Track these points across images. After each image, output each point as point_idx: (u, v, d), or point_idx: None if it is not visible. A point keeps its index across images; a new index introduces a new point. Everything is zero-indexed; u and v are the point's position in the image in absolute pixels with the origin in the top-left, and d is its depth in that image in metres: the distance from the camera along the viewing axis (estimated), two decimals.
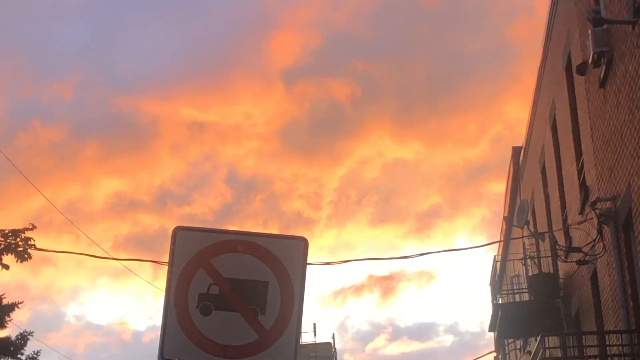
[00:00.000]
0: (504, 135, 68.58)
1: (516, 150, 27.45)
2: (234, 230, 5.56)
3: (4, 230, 20.77)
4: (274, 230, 63.40)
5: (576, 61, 15.74)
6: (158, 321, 5.36)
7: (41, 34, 65.53)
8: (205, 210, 65.79)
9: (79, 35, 66.28)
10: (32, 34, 64.68)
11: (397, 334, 75.71)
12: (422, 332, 79.07)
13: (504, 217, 30.03)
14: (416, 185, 72.36)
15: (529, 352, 20.77)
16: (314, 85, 65.40)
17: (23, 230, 20.69)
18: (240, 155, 66.58)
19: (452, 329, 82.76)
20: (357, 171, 69.73)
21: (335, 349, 54.81)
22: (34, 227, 20.68)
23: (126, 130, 61.75)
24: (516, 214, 22.25)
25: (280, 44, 60.87)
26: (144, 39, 66.02)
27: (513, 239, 27.63)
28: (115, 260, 17.93)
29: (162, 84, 65.86)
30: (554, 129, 19.48)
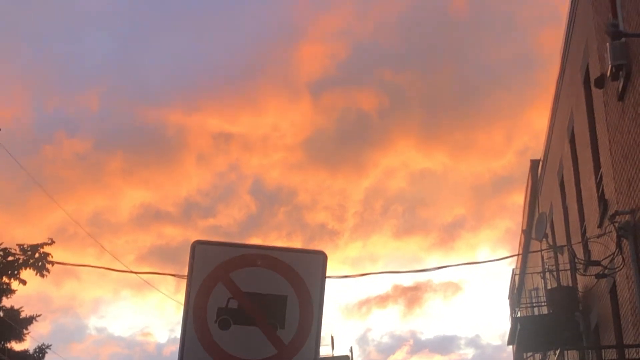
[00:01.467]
0: (530, 146, 68.33)
1: (534, 163, 27.40)
2: (253, 245, 5.57)
3: (22, 245, 20.86)
4: (297, 242, 63.56)
5: (594, 74, 15.71)
6: (179, 334, 5.38)
7: (66, 46, 65.91)
8: (230, 222, 65.85)
9: (105, 46, 66.59)
10: (58, 45, 65.08)
11: (418, 346, 75.33)
12: (443, 345, 78.68)
13: (523, 230, 29.96)
14: (441, 197, 72.18)
15: None
16: (341, 96, 65.49)
17: (42, 245, 20.76)
18: (265, 166, 66.67)
19: (473, 342, 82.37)
20: (382, 182, 69.66)
21: None
22: (53, 242, 20.76)
23: (152, 142, 61.95)
24: (535, 227, 22.19)
25: (307, 54, 61.01)
26: (170, 50, 66.29)
27: (532, 252, 27.55)
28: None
29: (189, 95, 66.07)
30: (573, 141, 19.43)
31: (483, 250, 75.59)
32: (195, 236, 62.27)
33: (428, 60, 62.61)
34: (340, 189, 69.95)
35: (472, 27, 62.71)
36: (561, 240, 21.95)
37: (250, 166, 65.96)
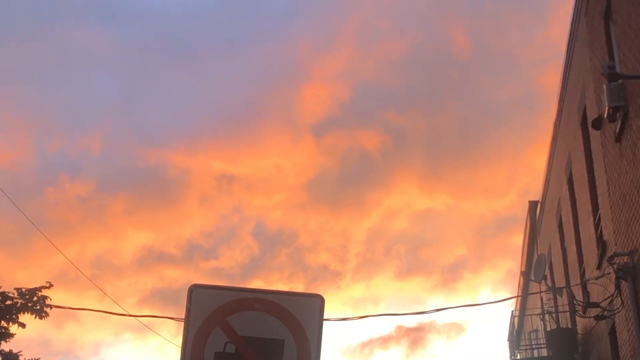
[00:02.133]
0: (532, 186, 68.22)
1: (533, 205, 27.40)
2: (250, 288, 5.56)
3: (20, 289, 20.85)
4: (299, 283, 63.38)
5: (592, 115, 15.76)
6: None
7: (69, 88, 66.23)
8: (232, 264, 65.80)
9: (107, 88, 66.88)
10: (60, 87, 65.39)
11: None
12: None
13: (522, 272, 29.90)
14: (443, 237, 72.20)
15: None
16: (344, 137, 65.71)
17: (40, 289, 20.76)
18: (268, 207, 66.72)
19: None
20: (385, 223, 69.67)
21: None
22: (51, 285, 20.76)
23: (154, 183, 62.12)
24: (534, 269, 22.14)
25: (309, 95, 61.31)
26: (172, 91, 66.61)
27: (531, 294, 27.47)
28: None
29: (191, 136, 66.33)
30: (571, 183, 19.45)
31: (485, 291, 75.28)
32: (197, 278, 62.08)
33: (430, 100, 62.93)
34: (342, 229, 69.99)
35: (474, 67, 63.01)
36: (560, 281, 21.90)
37: (252, 207, 66.02)
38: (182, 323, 5.55)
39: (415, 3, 62.66)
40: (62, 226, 56.79)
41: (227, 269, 61.73)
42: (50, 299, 20.74)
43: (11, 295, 21.15)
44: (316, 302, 5.52)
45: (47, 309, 20.51)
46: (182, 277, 63.92)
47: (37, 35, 62.21)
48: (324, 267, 66.91)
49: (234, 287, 5.61)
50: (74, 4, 64.30)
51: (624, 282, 14.31)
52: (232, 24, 68.02)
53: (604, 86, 13.19)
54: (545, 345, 21.52)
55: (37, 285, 21.14)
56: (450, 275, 70.98)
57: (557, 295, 21.51)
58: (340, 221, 68.13)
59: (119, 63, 66.52)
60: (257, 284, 62.33)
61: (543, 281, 20.70)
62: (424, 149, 63.36)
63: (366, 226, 68.38)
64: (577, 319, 19.24)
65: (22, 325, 21.03)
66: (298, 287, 62.61)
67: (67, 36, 64.17)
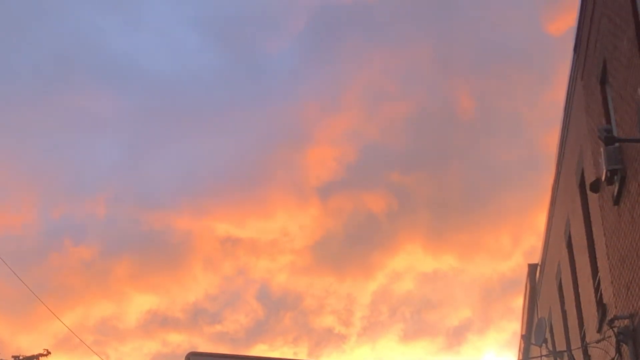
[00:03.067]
0: (537, 247, 67.89)
1: (532, 267, 27.31)
2: (247, 356, 5.53)
3: (18, 357, 20.83)
4: (303, 347, 62.86)
5: (589, 178, 15.78)
6: None
7: (73, 151, 66.50)
8: (236, 328, 65.29)
9: (111, 151, 67.06)
10: (64, 150, 65.63)
11: None
12: None
13: (522, 335, 29.70)
14: (448, 299, 71.74)
15: None
16: (349, 199, 65.66)
17: (37, 356, 20.77)
18: (273, 270, 66.42)
19: None
20: (389, 285, 69.27)
21: None
22: (49, 352, 20.81)
23: (159, 247, 61.96)
24: (534, 332, 21.99)
25: (315, 157, 61.48)
26: (177, 154, 66.75)
27: (532, 358, 27.25)
28: None
29: (196, 199, 66.31)
30: (570, 246, 19.41)
31: (489, 354, 74.67)
32: (201, 343, 61.65)
33: (435, 161, 62.98)
34: (347, 292, 69.65)
35: (479, 127, 63.08)
36: (561, 345, 21.75)
37: (257, 270, 65.77)
38: None
39: (420, 64, 63.06)
40: (66, 290, 56.66)
41: (232, 333, 61.31)
42: None
43: None
44: None
45: None
46: (186, 342, 63.44)
47: (42, 97, 62.62)
48: (328, 331, 66.42)
49: (230, 355, 5.57)
50: (78, 66, 64.80)
51: (624, 345, 14.21)
52: (237, 86, 68.44)
53: (601, 149, 13.23)
54: None
55: (36, 352, 21.16)
56: (455, 338, 70.45)
57: (558, 359, 21.34)
58: (345, 284, 67.83)
59: (123, 126, 66.84)
60: (261, 348, 61.83)
61: (544, 344, 20.56)
62: (429, 210, 63.26)
63: (371, 288, 68.01)
64: None
65: None
66: (302, 351, 62.10)
67: (71, 99, 64.58)
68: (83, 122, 65.93)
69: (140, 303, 62.98)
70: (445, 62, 62.37)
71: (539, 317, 24.54)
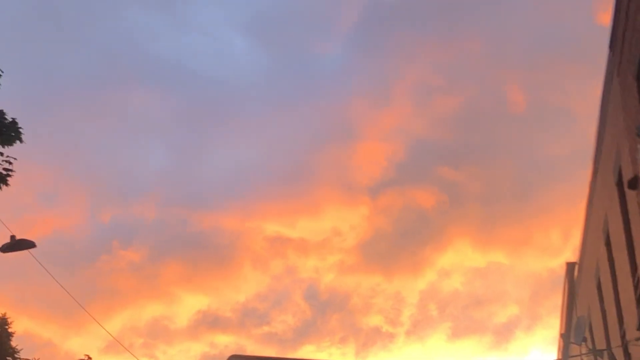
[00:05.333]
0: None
1: (570, 266, 27.18)
2: (288, 358, 5.58)
3: None
4: (350, 348, 62.80)
5: (627, 176, 15.72)
6: None
7: (124, 153, 66.91)
8: (284, 328, 65.30)
9: (160, 153, 67.41)
10: (115, 153, 66.08)
11: None
12: None
13: (561, 334, 29.56)
14: (497, 296, 71.17)
15: None
16: (399, 196, 65.36)
17: None
18: (321, 269, 66.39)
19: None
20: (438, 283, 68.85)
21: None
22: (89, 358, 21.24)
23: (208, 248, 62.14)
24: (574, 331, 21.93)
25: (364, 155, 61.41)
26: (225, 154, 66.93)
27: (572, 357, 27.13)
28: None
29: (244, 200, 66.46)
30: (608, 244, 19.32)
31: (536, 351, 73.98)
32: (249, 345, 61.80)
33: (485, 156, 62.44)
34: (396, 291, 69.37)
35: (529, 121, 62.41)
36: (600, 343, 21.64)
37: (306, 269, 65.77)
38: None
39: (470, 57, 62.66)
40: (116, 292, 57.04)
41: (280, 334, 61.34)
42: None
43: None
44: None
45: None
46: (233, 343, 63.52)
47: (92, 97, 63.06)
48: (376, 330, 66.23)
49: (271, 357, 5.63)
50: (127, 67, 65.25)
51: None
52: (285, 85, 68.53)
53: (638, 146, 13.18)
54: None
55: (80, 357, 21.55)
56: (503, 335, 69.90)
57: (598, 358, 21.24)
58: (394, 282, 67.58)
59: (172, 127, 67.18)
60: (308, 349, 61.76)
61: (583, 343, 20.49)
62: (478, 206, 62.77)
63: (419, 286, 67.69)
64: None
65: None
66: (349, 352, 61.98)
67: (121, 99, 64.99)
68: (132, 123, 66.36)
69: (191, 304, 63.26)
70: (496, 55, 61.86)
71: (578, 315, 24.43)
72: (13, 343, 33.70)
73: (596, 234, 20.98)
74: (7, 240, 19.12)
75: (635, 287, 16.54)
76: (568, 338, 26.29)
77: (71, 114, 61.68)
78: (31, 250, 19.30)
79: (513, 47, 60.84)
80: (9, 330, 34.05)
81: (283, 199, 65.25)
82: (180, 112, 67.87)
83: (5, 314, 34.57)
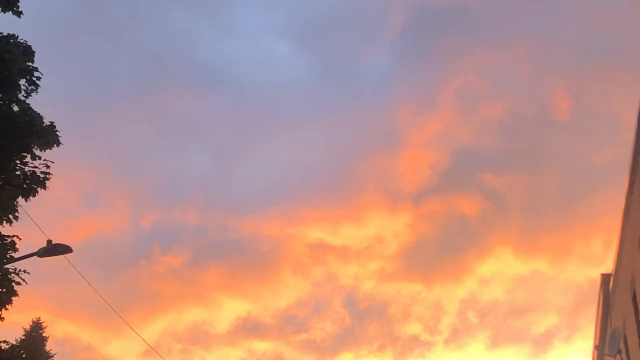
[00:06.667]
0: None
1: (605, 277, 26.99)
2: None
3: None
4: (388, 356, 62.57)
5: None
6: None
7: (166, 158, 67.17)
8: (323, 335, 65.25)
9: (202, 158, 67.69)
10: (158, 157, 66.35)
11: None
12: None
13: (595, 346, 29.36)
14: (537, 305, 70.59)
15: None
16: (442, 203, 65.18)
17: None
18: (361, 276, 66.26)
19: None
20: (478, 291, 68.51)
21: None
22: None
23: (249, 253, 62.23)
24: (608, 342, 21.77)
25: (407, 161, 61.24)
26: (266, 160, 67.07)
27: None
28: None
29: (285, 206, 66.52)
30: None
31: None
32: (288, 352, 61.77)
33: (528, 163, 62.02)
34: (435, 299, 68.97)
35: (574, 128, 61.96)
36: (635, 356, 21.48)
37: (346, 276, 65.55)
38: None
39: (516, 64, 62.34)
40: (157, 297, 57.25)
41: (319, 341, 61.18)
42: None
43: None
44: None
45: None
46: (271, 350, 63.52)
47: (136, 100, 63.46)
48: (414, 338, 65.84)
49: None
50: (171, 71, 65.63)
51: None
52: (330, 90, 68.57)
53: None
54: None
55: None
56: (542, 345, 69.22)
57: None
58: (434, 291, 67.19)
59: (213, 132, 67.46)
60: (346, 357, 61.61)
61: (618, 355, 20.34)
62: (521, 213, 62.30)
63: (459, 295, 67.29)
64: None
65: None
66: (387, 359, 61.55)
67: (164, 103, 65.35)
68: (175, 127, 66.61)
69: (231, 309, 63.33)
70: (541, 61, 61.50)
71: (613, 327, 24.26)
72: (47, 347, 33.94)
73: (632, 245, 20.83)
74: (45, 244, 19.19)
75: None
76: (602, 350, 26.11)
77: (116, 116, 62.16)
78: (70, 254, 19.37)
79: (559, 54, 60.50)
80: (44, 334, 34.30)
81: (325, 205, 65.21)
82: (223, 116, 68.10)
83: (39, 318, 34.82)
